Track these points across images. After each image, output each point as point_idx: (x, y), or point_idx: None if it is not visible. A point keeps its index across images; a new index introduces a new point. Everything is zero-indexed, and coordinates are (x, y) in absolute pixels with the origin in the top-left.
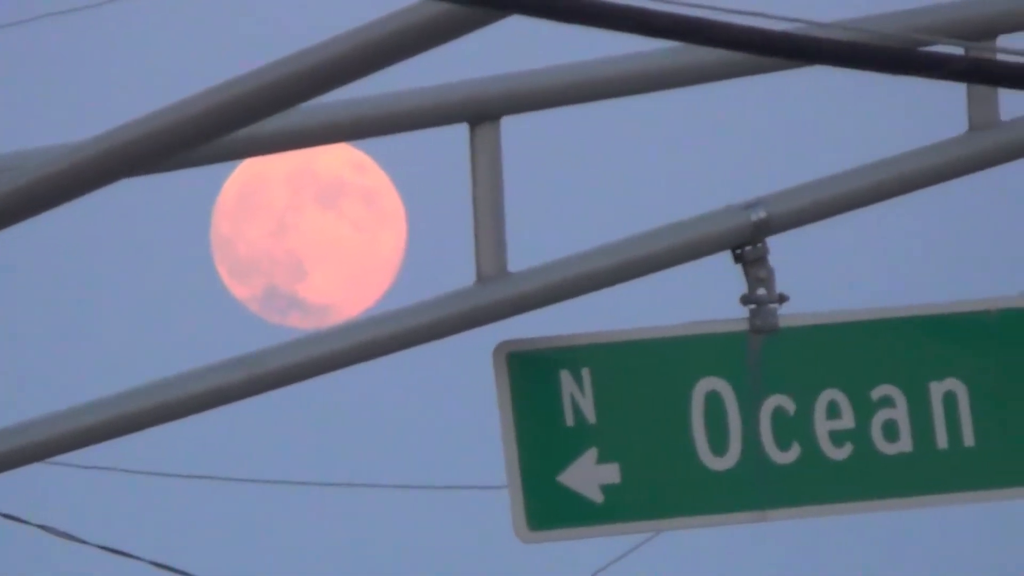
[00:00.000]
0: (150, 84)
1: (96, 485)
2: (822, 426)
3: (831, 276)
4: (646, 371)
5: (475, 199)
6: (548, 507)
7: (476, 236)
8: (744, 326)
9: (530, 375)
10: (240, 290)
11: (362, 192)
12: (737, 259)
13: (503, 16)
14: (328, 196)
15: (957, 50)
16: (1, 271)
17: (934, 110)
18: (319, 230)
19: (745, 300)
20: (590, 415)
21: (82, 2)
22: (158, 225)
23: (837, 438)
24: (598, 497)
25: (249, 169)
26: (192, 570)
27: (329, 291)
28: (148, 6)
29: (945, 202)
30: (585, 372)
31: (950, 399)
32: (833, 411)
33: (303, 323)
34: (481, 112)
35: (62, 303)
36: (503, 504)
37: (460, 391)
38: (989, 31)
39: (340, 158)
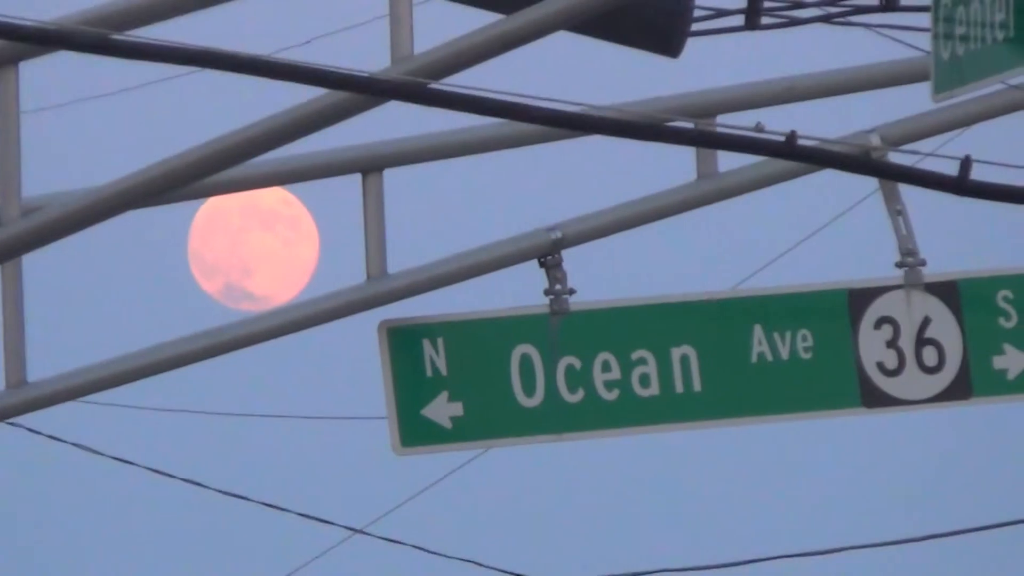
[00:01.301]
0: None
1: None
2: (599, 377)
3: (615, 274)
4: (481, 340)
5: (365, 223)
6: (415, 432)
7: (366, 248)
8: (546, 310)
9: (402, 342)
10: (207, 285)
11: (289, 219)
12: (541, 265)
13: (384, 101)
14: (267, 221)
15: (689, 124)
16: (48, 277)
17: (673, 165)
18: (261, 245)
19: (547, 292)
20: (443, 369)
21: (94, 92)
22: (151, 241)
23: (609, 385)
24: (448, 425)
25: (214, 203)
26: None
27: (268, 286)
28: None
29: (681, 227)
30: (440, 340)
31: (685, 359)
32: (606, 367)
33: (253, 308)
34: (370, 165)
35: (87, 295)
36: (384, 430)
37: (360, 354)
38: (711, 112)
39: (275, 196)
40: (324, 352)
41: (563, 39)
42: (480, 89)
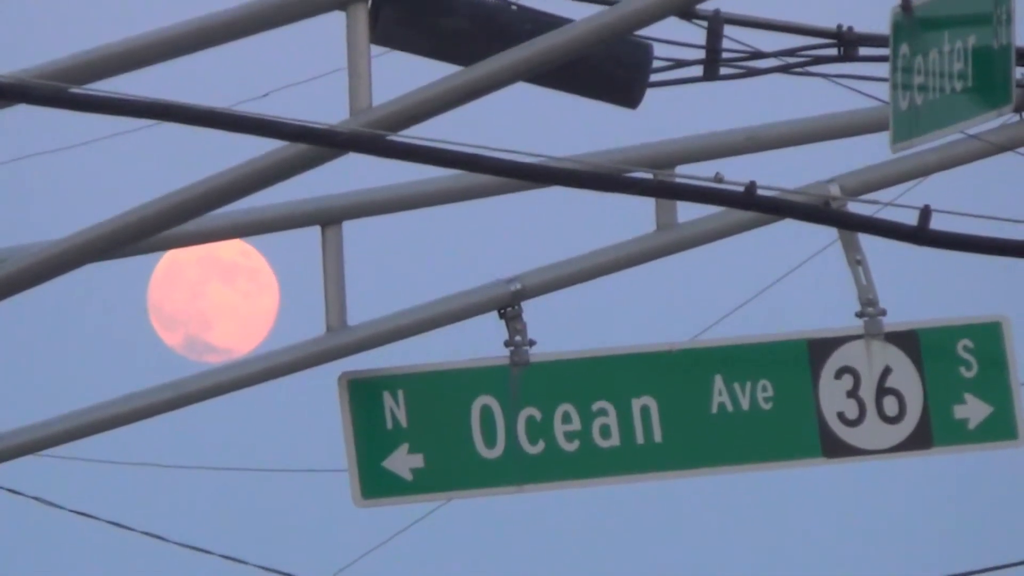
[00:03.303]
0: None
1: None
2: (559, 428)
3: (575, 325)
4: (441, 391)
5: (325, 275)
6: (375, 483)
7: (326, 300)
8: (506, 361)
9: (362, 394)
10: (168, 337)
11: (248, 271)
12: (501, 316)
13: (343, 154)
14: (226, 273)
15: (648, 175)
16: (6, 331)
17: (633, 215)
18: (220, 297)
19: (507, 344)
20: (404, 421)
21: (52, 145)
22: (110, 294)
23: (569, 436)
24: (409, 476)
25: (172, 255)
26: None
27: (229, 339)
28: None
29: (641, 278)
30: (400, 392)
31: (645, 410)
32: (567, 418)
33: (216, 360)
34: (329, 218)
35: (48, 348)
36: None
37: (320, 407)
38: (670, 162)
39: (234, 247)
40: (284, 404)
41: (522, 90)
42: (439, 141)
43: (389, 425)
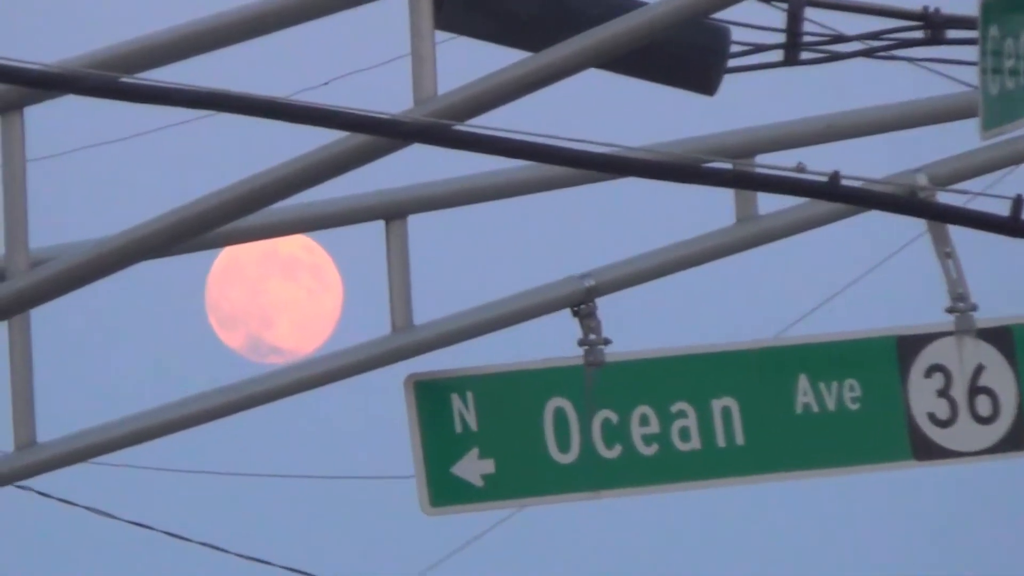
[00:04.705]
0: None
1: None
2: (636, 431)
3: (651, 323)
4: (512, 393)
5: (389, 273)
6: (444, 490)
7: (391, 298)
8: (580, 361)
9: (430, 397)
10: (227, 337)
11: (311, 267)
12: (574, 314)
13: (407, 145)
14: (288, 270)
15: (726, 165)
16: (55, 333)
17: (710, 208)
18: (282, 295)
19: (581, 343)
20: (473, 425)
21: (103, 138)
22: (166, 293)
23: (647, 440)
24: (479, 483)
25: (231, 252)
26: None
27: (291, 338)
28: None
29: (719, 273)
30: (469, 394)
31: (727, 411)
32: (644, 421)
33: (279, 362)
34: (393, 212)
35: (99, 350)
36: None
37: (385, 410)
38: (749, 152)
39: (295, 243)
40: (348, 408)
41: (593, 77)
42: (507, 130)
43: (458, 429)
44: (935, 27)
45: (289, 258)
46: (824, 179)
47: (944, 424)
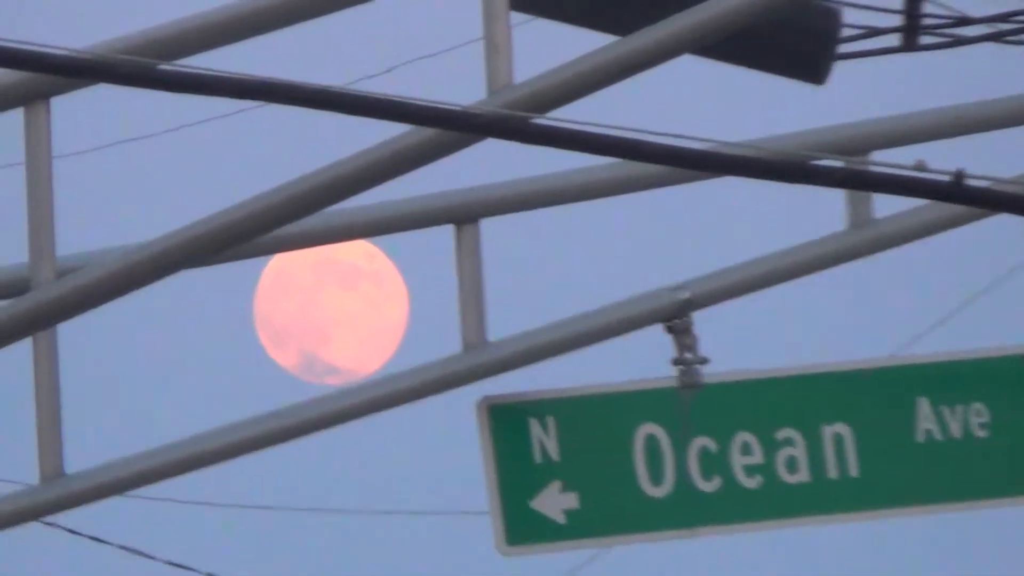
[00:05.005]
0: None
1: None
2: (738, 461)
3: (751, 340)
4: (598, 418)
5: (460, 283)
6: (522, 527)
7: (462, 312)
8: (675, 383)
9: (506, 423)
10: (278, 356)
11: (372, 276)
12: (668, 330)
13: (480, 139)
14: (346, 279)
15: (838, 163)
16: (92, 345)
17: (820, 211)
18: (339, 307)
19: (675, 362)
20: (555, 454)
21: (137, 132)
22: (209, 306)
23: (750, 471)
24: (561, 519)
25: (282, 259)
26: None
27: (349, 356)
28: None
29: (830, 284)
30: (550, 420)
31: (839, 439)
32: (746, 450)
33: (337, 383)
34: (464, 215)
35: (134, 370)
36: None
37: (456, 436)
38: (864, 148)
39: (355, 249)
40: (413, 434)
41: (689, 64)
42: (591, 124)
43: (538, 459)
44: None
45: (348, 266)
46: (947, 178)
47: None
